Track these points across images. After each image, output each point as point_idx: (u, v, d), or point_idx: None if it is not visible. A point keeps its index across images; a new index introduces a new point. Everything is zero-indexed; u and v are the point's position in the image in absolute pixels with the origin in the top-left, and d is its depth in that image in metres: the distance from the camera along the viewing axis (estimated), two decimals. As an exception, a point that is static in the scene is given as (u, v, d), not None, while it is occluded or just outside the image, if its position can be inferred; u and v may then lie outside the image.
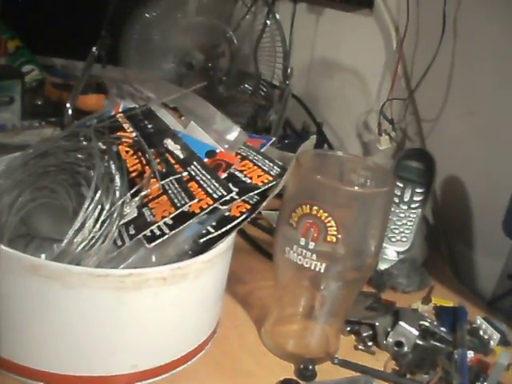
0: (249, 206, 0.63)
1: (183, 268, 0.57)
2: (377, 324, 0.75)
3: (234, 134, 0.69)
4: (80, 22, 1.48)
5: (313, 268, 0.62)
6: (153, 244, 0.58)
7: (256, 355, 0.70)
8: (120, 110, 0.74)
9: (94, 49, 1.16)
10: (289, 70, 1.09)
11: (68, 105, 1.13)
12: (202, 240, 0.60)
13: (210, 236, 0.61)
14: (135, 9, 1.17)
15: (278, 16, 1.16)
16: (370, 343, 0.74)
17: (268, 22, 1.18)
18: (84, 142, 0.66)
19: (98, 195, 0.57)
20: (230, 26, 1.21)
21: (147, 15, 1.17)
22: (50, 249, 0.62)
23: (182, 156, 0.66)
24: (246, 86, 1.20)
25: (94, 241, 0.56)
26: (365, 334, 0.75)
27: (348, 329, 0.76)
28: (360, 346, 0.74)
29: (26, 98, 1.24)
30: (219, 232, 0.61)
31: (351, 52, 1.33)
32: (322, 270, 0.62)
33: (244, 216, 0.62)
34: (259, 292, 0.80)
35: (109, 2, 1.15)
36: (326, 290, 0.67)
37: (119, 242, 0.58)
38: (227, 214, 0.62)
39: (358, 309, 0.76)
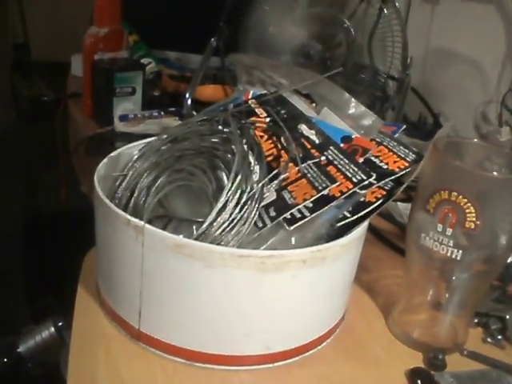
0: (384, 192, 0.63)
1: (323, 251, 0.57)
2: (507, 317, 0.73)
3: (370, 119, 0.68)
4: (192, 17, 1.53)
5: (449, 255, 0.61)
6: (293, 226, 0.58)
7: (384, 343, 0.69)
8: (250, 96, 0.75)
9: (212, 40, 1.18)
10: (408, 60, 1.08)
11: (187, 95, 1.16)
12: (338, 224, 0.61)
13: (347, 220, 0.61)
14: (251, 1, 1.18)
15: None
16: (499, 336, 0.73)
17: (385, 10, 1.17)
18: (219, 127, 0.67)
19: (238, 179, 0.59)
20: (344, 15, 1.21)
21: (263, 7, 1.19)
22: (188, 230, 0.64)
23: (317, 141, 0.66)
24: (362, 76, 1.19)
25: (234, 223, 0.58)
26: (494, 327, 0.73)
27: (476, 321, 0.74)
28: (488, 339, 0.72)
29: (145, 89, 1.28)
30: (356, 217, 0.61)
31: (469, 41, 1.30)
32: (458, 258, 0.61)
33: (380, 202, 0.62)
34: (384, 280, 0.80)
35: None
36: (457, 279, 0.66)
37: (260, 224, 0.59)
38: (363, 199, 0.62)
39: (485, 301, 0.75)
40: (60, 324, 1.14)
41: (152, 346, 0.62)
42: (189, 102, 1.17)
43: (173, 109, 1.24)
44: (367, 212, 0.61)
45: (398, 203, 0.96)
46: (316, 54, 1.16)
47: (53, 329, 1.14)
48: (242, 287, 0.57)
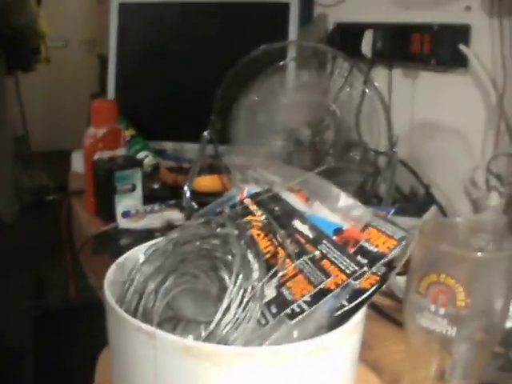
0: (378, 278, 0.66)
1: (325, 341, 0.60)
2: (513, 385, 0.75)
3: (359, 211, 0.73)
4: (186, 107, 1.60)
5: (444, 332, 0.65)
6: (294, 321, 0.62)
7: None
8: (245, 194, 0.79)
9: (205, 133, 1.24)
10: (394, 138, 1.12)
11: (186, 187, 1.21)
12: (338, 313, 0.64)
13: (345, 309, 0.64)
14: (240, 93, 1.24)
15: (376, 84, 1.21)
16: (508, 405, 0.74)
17: (367, 90, 1.23)
18: (218, 229, 0.71)
19: (239, 279, 0.62)
20: (329, 99, 1.27)
21: (252, 97, 1.25)
22: (196, 330, 0.66)
23: (311, 236, 0.70)
24: (353, 154, 1.24)
25: (239, 322, 0.61)
26: (501, 396, 0.75)
27: (482, 391, 0.76)
28: (498, 409, 0.74)
29: (144, 183, 1.33)
30: (353, 304, 0.64)
31: (450, 111, 1.36)
32: (454, 334, 0.65)
33: (374, 288, 0.65)
34: (388, 357, 0.82)
35: (214, 88, 1.23)
36: (457, 353, 0.68)
37: (263, 321, 0.62)
38: (358, 287, 0.66)
39: (490, 370, 0.76)
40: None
41: None
42: (188, 194, 1.21)
43: (173, 201, 1.28)
44: (364, 299, 0.65)
45: (398, 277, 0.99)
46: (306, 138, 1.21)
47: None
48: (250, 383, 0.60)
